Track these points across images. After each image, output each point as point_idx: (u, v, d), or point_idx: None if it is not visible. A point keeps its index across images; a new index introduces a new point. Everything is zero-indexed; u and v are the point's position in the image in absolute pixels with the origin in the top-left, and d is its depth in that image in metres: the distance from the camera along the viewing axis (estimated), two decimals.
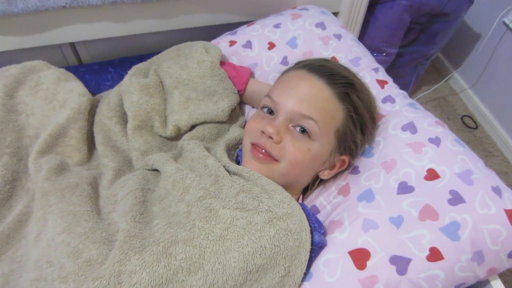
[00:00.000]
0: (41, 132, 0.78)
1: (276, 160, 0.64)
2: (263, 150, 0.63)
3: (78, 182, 0.67)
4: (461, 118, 1.85)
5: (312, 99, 0.64)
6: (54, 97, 0.81)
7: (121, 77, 0.84)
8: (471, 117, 1.85)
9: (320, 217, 0.68)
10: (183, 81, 0.78)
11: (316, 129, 0.63)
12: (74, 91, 0.81)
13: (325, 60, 0.73)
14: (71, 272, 0.52)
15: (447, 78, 1.93)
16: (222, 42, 0.94)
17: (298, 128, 0.64)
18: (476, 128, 1.80)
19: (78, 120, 0.77)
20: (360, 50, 0.92)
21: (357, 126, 0.67)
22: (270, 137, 0.63)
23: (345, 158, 0.69)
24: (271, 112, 0.67)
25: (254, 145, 0.65)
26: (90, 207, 0.63)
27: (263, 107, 0.68)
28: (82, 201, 0.63)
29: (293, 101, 0.64)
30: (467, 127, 1.81)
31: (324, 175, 0.70)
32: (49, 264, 0.54)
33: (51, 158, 0.71)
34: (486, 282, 0.66)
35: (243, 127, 0.83)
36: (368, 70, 0.87)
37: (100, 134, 0.79)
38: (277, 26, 0.93)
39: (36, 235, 0.60)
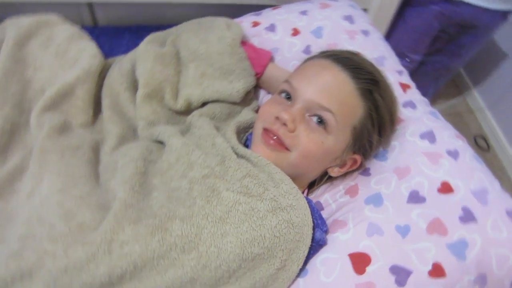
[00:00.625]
0: (47, 87, 0.75)
1: (287, 149, 0.61)
2: (275, 137, 0.61)
3: (79, 145, 0.65)
4: (474, 138, 1.81)
5: (333, 90, 0.61)
6: (65, 54, 0.79)
7: (136, 45, 0.81)
8: (484, 138, 1.81)
9: (323, 214, 0.66)
10: (201, 55, 0.75)
11: (333, 122, 0.60)
12: (87, 51, 0.78)
13: (352, 53, 0.69)
14: (61, 233, 0.51)
15: (465, 94, 1.89)
16: (245, 22, 0.90)
17: (314, 119, 0.61)
18: (488, 150, 1.76)
19: (87, 81, 0.74)
20: (386, 50, 0.89)
21: (375, 126, 0.64)
22: (284, 124, 0.60)
23: (358, 157, 0.66)
24: (288, 98, 0.64)
25: (266, 130, 0.62)
26: (89, 171, 0.61)
27: (281, 92, 0.65)
28: (81, 164, 0.61)
29: (313, 90, 0.61)
30: (478, 148, 1.77)
31: (334, 172, 0.67)
32: (40, 222, 0.53)
33: (55, 116, 0.69)
34: None
35: (256, 111, 0.80)
36: (392, 72, 0.84)
37: (108, 98, 0.76)
38: (303, 13, 0.89)
39: (30, 191, 0.58)
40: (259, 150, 0.61)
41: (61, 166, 0.59)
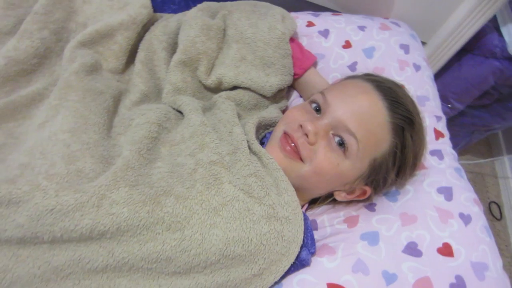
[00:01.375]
0: (90, 23, 0.75)
1: (301, 160, 0.59)
2: (293, 144, 0.59)
3: (103, 90, 0.64)
4: (489, 203, 1.75)
5: (365, 117, 0.58)
6: None
7: (188, 7, 0.80)
8: (499, 207, 1.74)
9: (316, 234, 0.64)
10: (246, 39, 0.73)
11: (354, 148, 0.58)
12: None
13: (396, 84, 0.66)
14: (59, 173, 0.50)
15: (495, 158, 1.82)
16: (300, 19, 0.87)
17: (337, 139, 0.59)
18: (500, 219, 1.70)
19: (130, 30, 0.73)
20: (431, 91, 0.85)
21: (396, 165, 0.62)
22: (306, 135, 0.58)
23: (368, 189, 0.64)
24: (317, 110, 0.62)
25: (286, 134, 0.60)
26: (104, 120, 0.60)
27: (312, 102, 0.63)
28: (99, 111, 0.60)
29: (345, 110, 0.58)
30: (491, 215, 1.71)
31: (340, 196, 0.65)
32: (42, 156, 0.52)
33: (88, 54, 0.69)
34: None
35: (283, 111, 0.78)
36: (430, 115, 0.80)
37: (143, 52, 0.75)
38: (361, 28, 0.86)
39: (42, 122, 0.58)
40: (273, 152, 0.60)
41: (79, 106, 0.59)
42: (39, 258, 0.49)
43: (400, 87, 0.66)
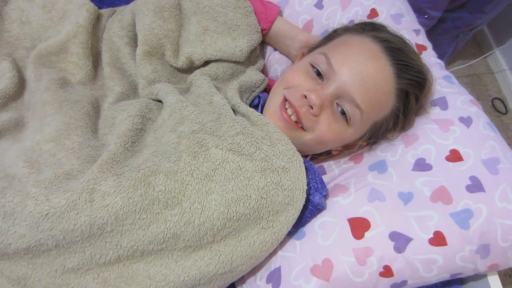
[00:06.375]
0: (38, 44, 0.71)
1: (302, 129, 0.59)
2: (292, 115, 0.59)
3: (78, 99, 0.62)
4: (492, 100, 1.74)
5: (372, 86, 0.57)
6: (53, 7, 0.73)
7: None
8: (502, 101, 1.74)
9: (325, 178, 0.65)
10: (204, 8, 0.70)
11: (358, 119, 0.58)
12: (74, 2, 0.72)
13: (405, 42, 0.64)
14: (47, 178, 0.50)
15: (486, 54, 1.79)
16: None
17: (340, 109, 0.58)
18: (506, 113, 1.70)
19: (79, 34, 0.69)
20: (404, 7, 0.82)
21: (397, 126, 0.63)
22: (310, 106, 0.57)
23: (365, 144, 0.65)
24: (319, 74, 0.60)
25: (287, 102, 0.59)
26: (86, 123, 0.59)
27: (314, 66, 0.60)
28: (79, 116, 0.59)
29: (352, 80, 0.57)
30: (496, 111, 1.71)
31: (336, 152, 0.67)
32: (28, 164, 0.51)
33: (53, 71, 0.66)
34: (482, 275, 0.63)
35: (262, 71, 0.77)
36: (408, 31, 0.78)
37: (108, 53, 0.72)
38: None
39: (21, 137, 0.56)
40: (272, 119, 0.59)
41: (58, 117, 0.57)
42: (53, 263, 0.50)
43: (408, 44, 0.64)
